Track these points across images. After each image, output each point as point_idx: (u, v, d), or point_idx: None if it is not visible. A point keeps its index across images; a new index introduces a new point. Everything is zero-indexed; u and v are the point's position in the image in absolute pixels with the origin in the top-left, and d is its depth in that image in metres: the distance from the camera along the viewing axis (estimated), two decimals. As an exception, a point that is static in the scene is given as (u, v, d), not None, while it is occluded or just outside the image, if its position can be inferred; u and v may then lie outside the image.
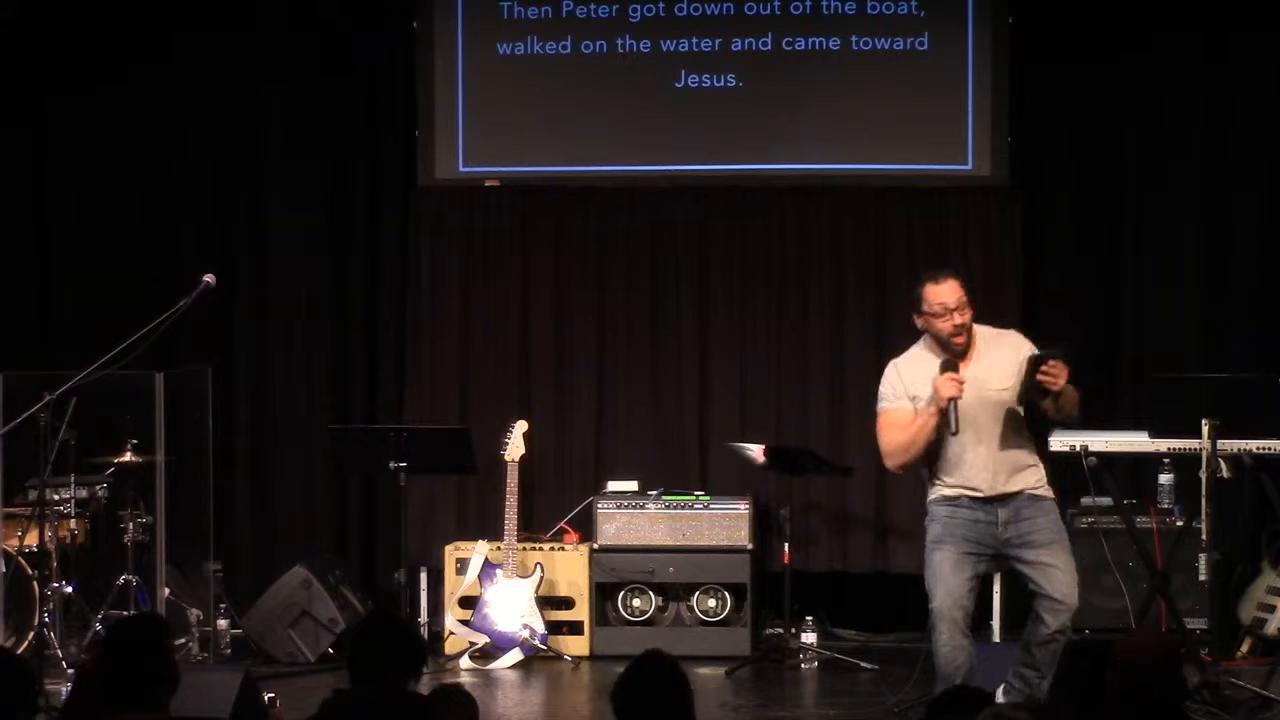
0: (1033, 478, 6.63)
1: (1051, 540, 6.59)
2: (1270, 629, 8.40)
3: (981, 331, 6.67)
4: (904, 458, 6.60)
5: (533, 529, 9.21)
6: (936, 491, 6.65)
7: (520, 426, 8.91)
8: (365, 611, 8.80)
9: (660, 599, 8.97)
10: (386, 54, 9.63)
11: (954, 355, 6.55)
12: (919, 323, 6.64)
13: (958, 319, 6.51)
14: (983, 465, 6.55)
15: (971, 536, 6.56)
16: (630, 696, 4.39)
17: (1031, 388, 6.43)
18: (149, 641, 4.65)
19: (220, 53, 9.64)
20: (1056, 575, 6.55)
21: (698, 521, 8.98)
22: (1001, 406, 6.55)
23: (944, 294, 6.53)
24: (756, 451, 8.81)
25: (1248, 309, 9.29)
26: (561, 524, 9.24)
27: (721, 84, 9.41)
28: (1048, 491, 6.69)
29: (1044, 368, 6.40)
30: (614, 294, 9.53)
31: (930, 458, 6.62)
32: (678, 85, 9.43)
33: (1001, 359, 6.60)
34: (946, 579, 6.53)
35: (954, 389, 6.42)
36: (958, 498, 6.58)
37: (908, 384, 6.60)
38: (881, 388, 6.70)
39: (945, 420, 6.45)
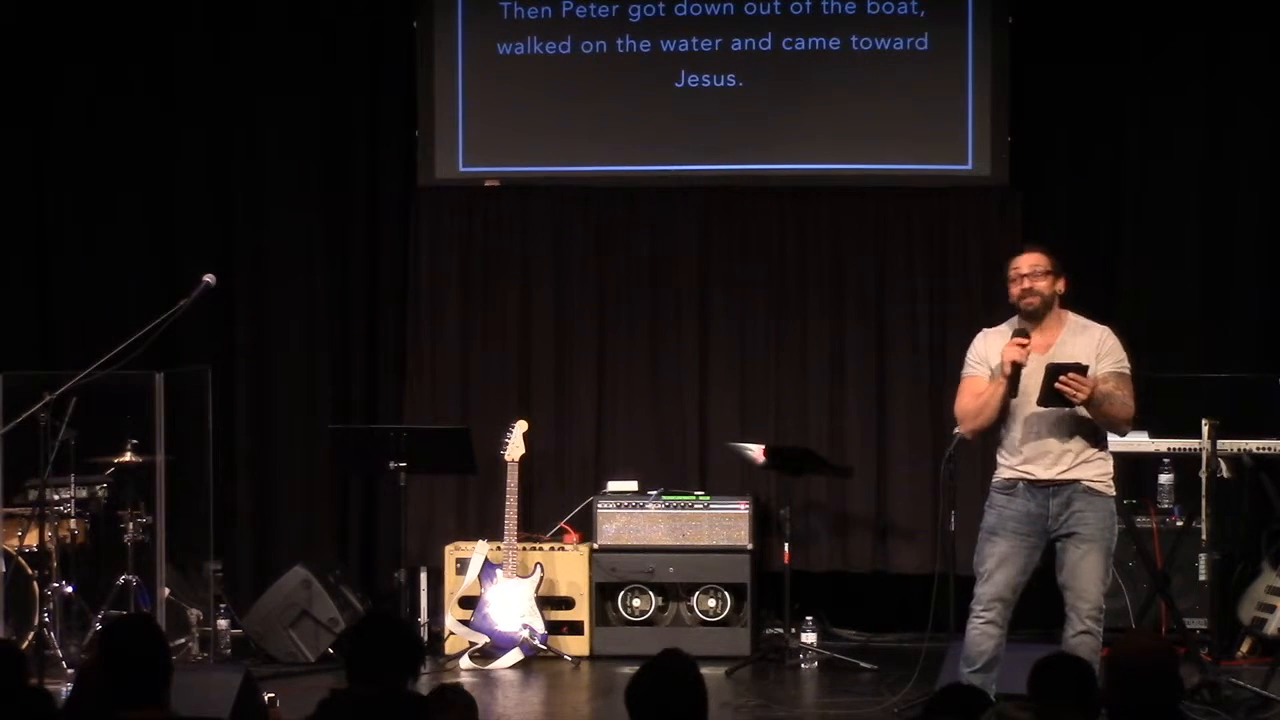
0: (1092, 470, 6.64)
1: (1092, 538, 6.59)
2: (1270, 629, 8.40)
3: (1073, 318, 6.75)
4: (974, 424, 6.72)
5: (533, 529, 9.20)
6: (998, 474, 6.74)
7: (520, 426, 8.91)
8: (364, 611, 8.81)
9: (660, 599, 8.97)
10: (387, 54, 9.64)
11: (1027, 319, 6.65)
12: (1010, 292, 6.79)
13: (1026, 284, 6.64)
14: (1043, 448, 6.60)
15: (1024, 529, 6.61)
16: (645, 694, 4.38)
17: (1049, 394, 6.49)
18: (142, 640, 4.66)
19: (219, 53, 9.64)
20: (1083, 573, 6.56)
21: (698, 521, 8.98)
22: None
23: (1020, 261, 6.69)
24: (756, 451, 8.81)
25: (1248, 309, 9.29)
26: (561, 524, 9.24)
27: (721, 84, 9.41)
28: (1107, 489, 6.67)
29: (1063, 378, 6.45)
30: (614, 294, 9.53)
31: (997, 434, 6.71)
32: (678, 85, 9.43)
33: (1081, 346, 6.66)
34: (992, 572, 6.61)
35: (1017, 353, 6.55)
36: (1015, 483, 6.64)
37: (988, 353, 6.74)
38: (967, 354, 6.84)
39: (1012, 388, 6.56)
